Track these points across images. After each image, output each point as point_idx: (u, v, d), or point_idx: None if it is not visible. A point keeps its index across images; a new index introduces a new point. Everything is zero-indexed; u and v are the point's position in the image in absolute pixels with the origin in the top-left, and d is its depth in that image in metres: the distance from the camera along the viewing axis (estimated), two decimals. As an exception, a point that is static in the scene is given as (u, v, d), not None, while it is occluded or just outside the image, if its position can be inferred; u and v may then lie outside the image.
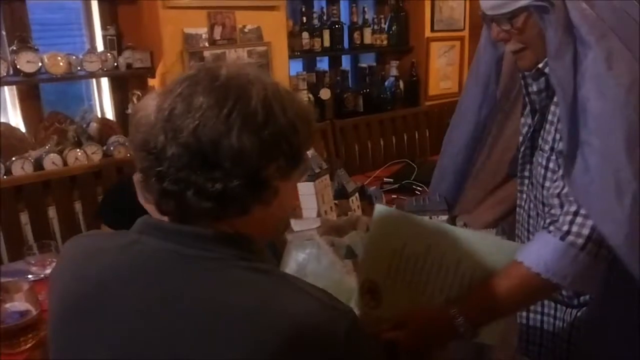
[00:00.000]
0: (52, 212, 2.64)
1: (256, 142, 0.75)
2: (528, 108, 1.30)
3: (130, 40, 2.99)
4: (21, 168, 2.57)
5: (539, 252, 1.08)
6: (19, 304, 1.39)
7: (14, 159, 2.57)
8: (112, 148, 2.83)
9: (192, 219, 0.78)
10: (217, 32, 3.02)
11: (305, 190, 1.48)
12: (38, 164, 2.63)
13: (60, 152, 2.70)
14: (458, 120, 1.47)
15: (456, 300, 1.12)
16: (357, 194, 1.69)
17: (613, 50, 1.04)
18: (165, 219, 0.81)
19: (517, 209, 1.39)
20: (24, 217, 2.56)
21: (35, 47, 2.64)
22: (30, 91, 2.80)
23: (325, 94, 3.57)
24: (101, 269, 0.79)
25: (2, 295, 1.38)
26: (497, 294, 1.09)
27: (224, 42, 3.04)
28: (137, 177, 1.89)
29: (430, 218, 1.39)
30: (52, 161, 2.65)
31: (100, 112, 3.14)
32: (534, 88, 1.22)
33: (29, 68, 2.61)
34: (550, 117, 1.21)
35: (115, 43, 2.95)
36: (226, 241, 0.78)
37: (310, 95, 3.50)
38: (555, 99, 1.18)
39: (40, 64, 2.63)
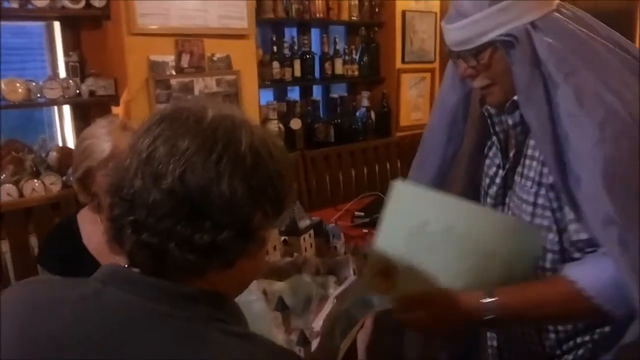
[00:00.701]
0: (4, 246, 2.49)
1: (246, 189, 0.70)
2: (495, 148, 1.24)
3: (94, 66, 2.89)
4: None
5: (596, 276, 1.03)
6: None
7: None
8: (72, 178, 2.71)
9: (168, 272, 0.71)
10: (185, 60, 2.94)
11: None
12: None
13: (16, 183, 2.56)
14: (421, 160, 1.40)
15: (484, 290, 1.07)
16: (311, 232, 1.56)
17: (583, 87, 1.00)
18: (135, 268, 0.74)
19: None
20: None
21: (-8, 73, 2.53)
22: (-14, 118, 2.67)
23: (296, 124, 3.52)
24: (57, 324, 0.69)
25: None
26: (535, 300, 1.06)
27: (192, 70, 2.97)
28: (83, 216, 1.77)
29: None
30: (6, 192, 2.51)
31: (61, 140, 3.02)
32: (510, 122, 1.16)
33: (-16, 94, 2.50)
34: (530, 152, 1.16)
35: (78, 69, 2.85)
36: (203, 300, 0.71)
37: (281, 125, 3.44)
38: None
39: (-4, 90, 2.52)
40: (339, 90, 4.04)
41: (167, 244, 0.68)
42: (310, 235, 1.48)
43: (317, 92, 4.00)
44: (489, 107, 1.19)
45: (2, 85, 2.54)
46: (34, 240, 2.57)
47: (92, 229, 1.68)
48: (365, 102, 3.96)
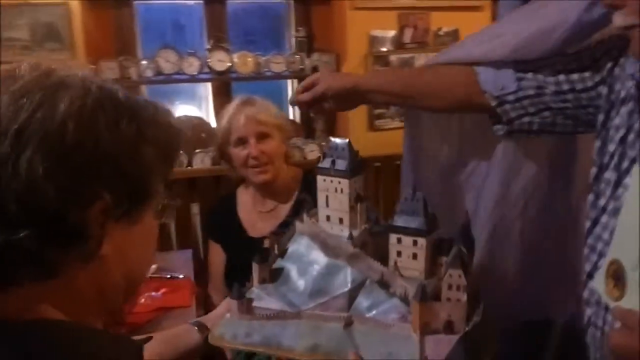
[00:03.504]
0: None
1: (59, 172, 0.53)
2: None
3: (321, 42, 2.95)
4: (201, 161, 2.70)
5: None
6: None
7: (197, 151, 2.70)
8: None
9: None
10: (408, 35, 2.80)
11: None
12: (216, 160, 2.73)
13: (240, 150, 2.77)
14: None
15: None
16: (429, 244, 1.01)
17: None
18: None
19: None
20: (195, 208, 2.69)
21: (227, 47, 2.75)
22: (223, 88, 2.94)
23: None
24: None
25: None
26: None
27: (414, 45, 2.82)
28: (240, 189, 1.81)
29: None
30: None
31: (292, 112, 3.17)
32: None
33: (219, 66, 2.73)
34: None
35: (306, 45, 2.93)
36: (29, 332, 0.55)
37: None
38: None
39: (229, 64, 2.74)
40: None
41: None
42: (425, 247, 0.97)
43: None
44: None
45: (235, 59, 2.76)
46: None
47: (244, 202, 1.71)
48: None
